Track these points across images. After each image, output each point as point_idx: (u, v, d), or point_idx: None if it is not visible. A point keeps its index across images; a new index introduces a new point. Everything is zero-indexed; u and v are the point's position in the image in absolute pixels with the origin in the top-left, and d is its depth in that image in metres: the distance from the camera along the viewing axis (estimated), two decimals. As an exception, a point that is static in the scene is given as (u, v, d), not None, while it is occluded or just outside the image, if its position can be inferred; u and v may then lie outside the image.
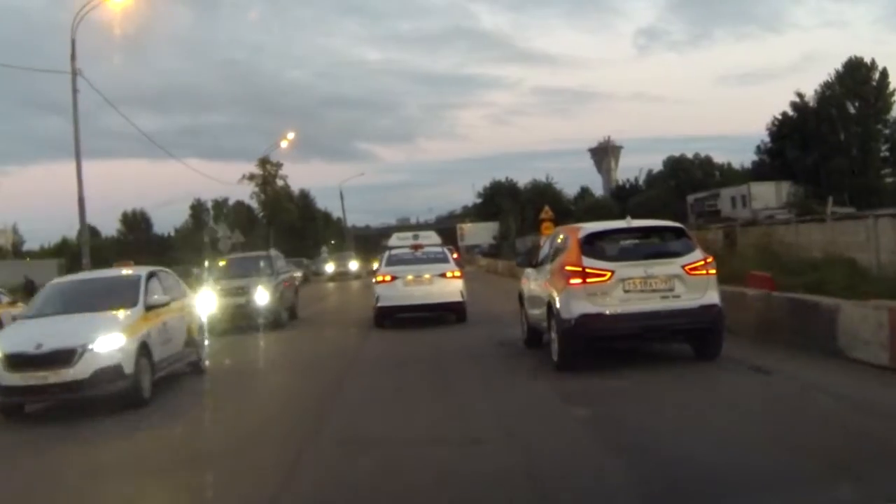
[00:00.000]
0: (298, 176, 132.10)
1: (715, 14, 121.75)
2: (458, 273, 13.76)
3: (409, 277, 13.41)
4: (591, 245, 7.53)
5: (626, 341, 7.89)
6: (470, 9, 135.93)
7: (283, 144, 41.11)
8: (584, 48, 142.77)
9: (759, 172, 51.07)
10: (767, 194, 43.43)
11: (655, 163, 67.52)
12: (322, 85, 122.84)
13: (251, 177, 45.11)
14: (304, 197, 73.86)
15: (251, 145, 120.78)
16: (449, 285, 13.48)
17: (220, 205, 77.85)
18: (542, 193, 62.55)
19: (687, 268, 7.23)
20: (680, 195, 58.72)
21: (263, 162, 45.13)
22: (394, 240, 16.74)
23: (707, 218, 42.42)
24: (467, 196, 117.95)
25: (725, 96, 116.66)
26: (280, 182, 46.86)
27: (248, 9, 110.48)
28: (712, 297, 7.24)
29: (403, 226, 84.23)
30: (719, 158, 69.83)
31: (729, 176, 62.14)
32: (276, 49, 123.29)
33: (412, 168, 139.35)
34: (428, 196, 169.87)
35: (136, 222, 72.34)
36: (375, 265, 15.09)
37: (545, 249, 9.29)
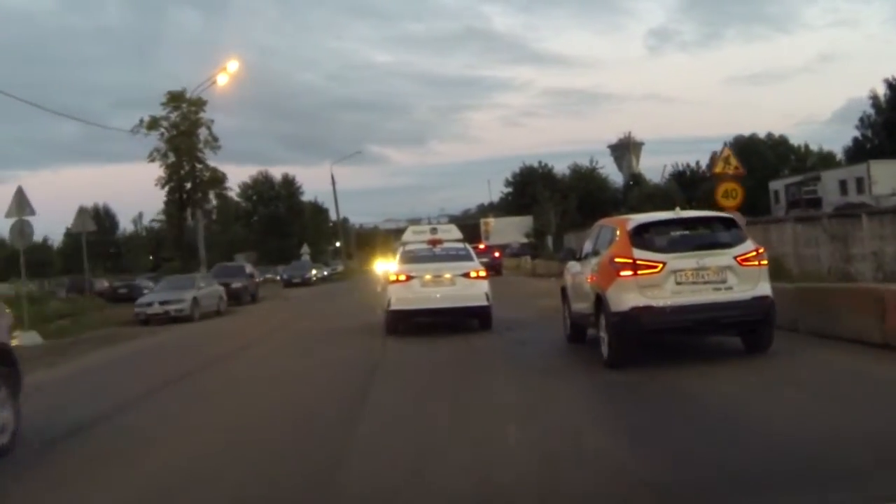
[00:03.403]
0: (309, 179, 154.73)
1: (726, 14, 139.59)
2: (482, 273, 14.49)
3: (427, 277, 14.18)
4: (641, 236, 9.15)
5: (674, 335, 9.48)
6: (481, 10, 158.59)
7: (222, 80, 34.06)
8: (596, 49, 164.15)
9: (858, 152, 52.08)
10: (888, 175, 42.75)
11: (671, 162, 71.99)
12: (333, 87, 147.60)
13: (152, 124, 35.25)
14: (289, 184, 75.92)
15: (263, 148, 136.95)
16: (473, 287, 14.15)
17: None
18: (586, 180, 64.20)
19: (739, 259, 8.81)
20: (756, 181, 60.05)
21: (175, 99, 35.69)
22: (409, 234, 17.06)
23: (805, 206, 42.39)
24: (481, 196, 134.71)
25: (737, 97, 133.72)
26: (204, 131, 36.56)
27: (258, 11, 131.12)
28: (764, 288, 8.83)
29: (407, 224, 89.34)
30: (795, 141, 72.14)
31: (809, 158, 63.56)
32: (286, 51, 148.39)
33: (423, 171, 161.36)
34: (440, 199, 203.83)
35: (98, 221, 75.13)
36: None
37: (590, 242, 11.02)
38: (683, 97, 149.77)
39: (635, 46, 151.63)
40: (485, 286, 14.26)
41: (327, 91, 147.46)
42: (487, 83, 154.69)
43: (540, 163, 67.81)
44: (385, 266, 67.13)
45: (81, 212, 27.31)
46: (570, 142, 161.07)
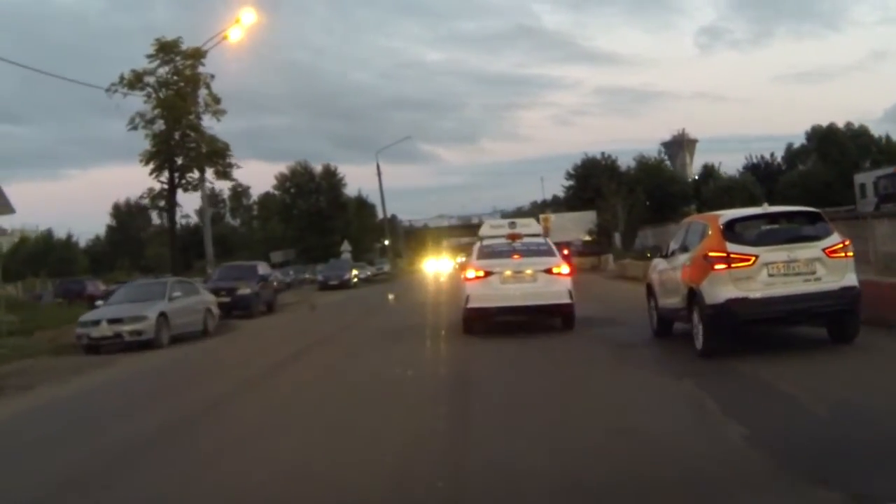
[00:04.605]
0: (359, 178, 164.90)
1: (776, 12, 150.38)
2: (565, 269, 14.92)
3: (507, 273, 14.73)
4: (733, 231, 10.59)
5: (766, 326, 10.88)
6: (531, 8, 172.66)
7: (236, 35, 29.24)
8: (646, 47, 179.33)
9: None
10: None
11: (722, 161, 73.58)
12: (384, 86, 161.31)
13: (135, 80, 30.66)
14: (331, 176, 75.54)
15: (313, 148, 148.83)
16: (555, 283, 14.61)
17: (238, 195, 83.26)
18: (653, 173, 65.13)
19: (827, 251, 10.19)
20: (838, 173, 60.68)
21: (165, 48, 31.12)
22: (486, 228, 17.35)
23: None
24: (533, 194, 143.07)
25: (788, 95, 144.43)
26: (204, 91, 32.16)
27: (310, 10, 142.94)
28: (851, 278, 10.21)
29: (459, 222, 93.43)
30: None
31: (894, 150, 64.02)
32: (338, 50, 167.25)
33: (474, 169, 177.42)
34: (491, 197, 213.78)
35: (129, 217, 78.08)
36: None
37: (678, 239, 12.59)
38: (734, 95, 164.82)
39: (686, 44, 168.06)
40: (568, 283, 14.73)
41: (378, 90, 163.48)
42: (538, 82, 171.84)
43: (603, 154, 68.55)
44: (444, 265, 68.39)
45: None
46: (621, 140, 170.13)
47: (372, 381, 10.91)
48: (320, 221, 71.37)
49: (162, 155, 31.94)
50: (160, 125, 31.54)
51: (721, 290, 10.25)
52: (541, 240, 16.33)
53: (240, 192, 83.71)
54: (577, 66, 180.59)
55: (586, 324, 15.20)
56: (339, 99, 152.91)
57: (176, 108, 31.12)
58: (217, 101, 32.50)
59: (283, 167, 75.10)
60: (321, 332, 19.71)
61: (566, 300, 14.59)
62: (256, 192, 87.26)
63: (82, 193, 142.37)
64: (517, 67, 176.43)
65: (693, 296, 10.85)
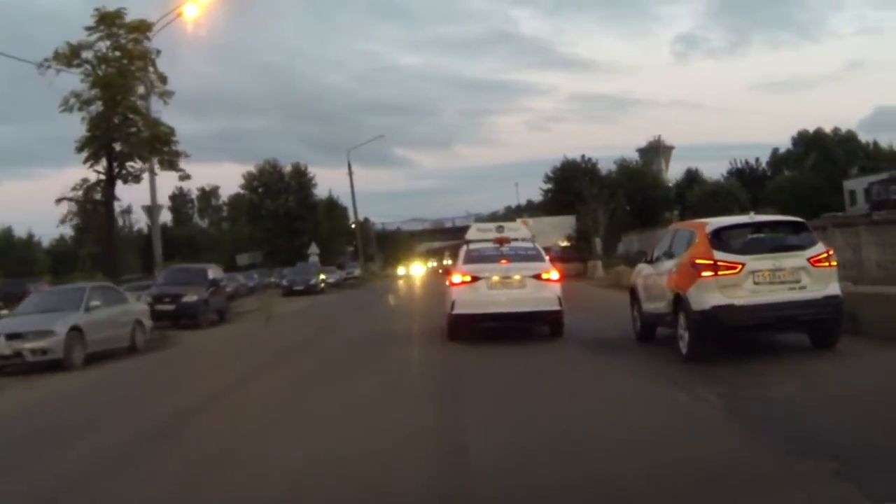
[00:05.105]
0: (333, 181, 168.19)
1: (753, 21, 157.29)
2: (555, 275, 15.01)
3: (495, 279, 14.77)
4: (720, 239, 11.25)
5: (750, 332, 11.54)
6: (510, 14, 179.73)
7: (191, 12, 28.32)
8: (623, 54, 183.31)
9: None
10: None
11: (698, 167, 78.39)
12: (361, 90, 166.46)
13: (70, 54, 28.09)
14: (300, 175, 74.72)
15: (287, 150, 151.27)
16: (544, 290, 14.74)
17: (207, 195, 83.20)
18: (635, 178, 66.10)
19: (812, 260, 10.87)
20: (826, 179, 62.03)
21: (105, 19, 28.57)
22: (473, 232, 17.30)
23: (893, 208, 43.12)
24: (507, 199, 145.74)
25: (763, 104, 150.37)
26: (139, 64, 29.08)
27: (286, 12, 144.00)
28: (835, 288, 10.92)
29: (432, 226, 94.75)
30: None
31: (884, 158, 65.58)
32: (314, 53, 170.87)
33: (449, 174, 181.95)
34: (465, 202, 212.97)
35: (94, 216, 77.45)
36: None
37: (663, 245, 13.28)
38: (710, 103, 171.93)
39: (662, 52, 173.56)
40: (557, 289, 14.82)
41: (354, 93, 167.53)
42: (514, 87, 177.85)
43: (583, 157, 69.50)
44: (416, 270, 68.62)
45: None
46: (596, 147, 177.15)
47: (325, 433, 8.25)
48: (289, 223, 70.85)
49: (98, 141, 28.81)
50: (98, 107, 28.64)
51: (708, 296, 10.88)
52: (529, 244, 16.38)
53: (209, 193, 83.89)
54: (554, 72, 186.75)
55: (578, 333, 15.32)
56: (315, 102, 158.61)
57: (115, 86, 28.24)
58: (163, 80, 29.83)
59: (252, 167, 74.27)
60: (274, 347, 17.36)
61: (555, 307, 14.67)
62: (231, 194, 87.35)
63: (57, 193, 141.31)
64: (494, 73, 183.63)
65: (679, 302, 11.50)
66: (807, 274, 10.90)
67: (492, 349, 14.16)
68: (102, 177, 29.74)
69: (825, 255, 11.09)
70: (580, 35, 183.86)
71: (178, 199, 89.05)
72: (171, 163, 30.65)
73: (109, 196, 30.18)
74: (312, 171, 75.65)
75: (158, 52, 29.48)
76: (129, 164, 29.84)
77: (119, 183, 30.24)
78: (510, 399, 9.54)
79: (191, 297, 24.20)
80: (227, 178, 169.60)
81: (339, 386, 11.43)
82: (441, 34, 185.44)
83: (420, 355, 14.52)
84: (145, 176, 30.46)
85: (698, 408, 8.48)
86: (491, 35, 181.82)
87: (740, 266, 10.86)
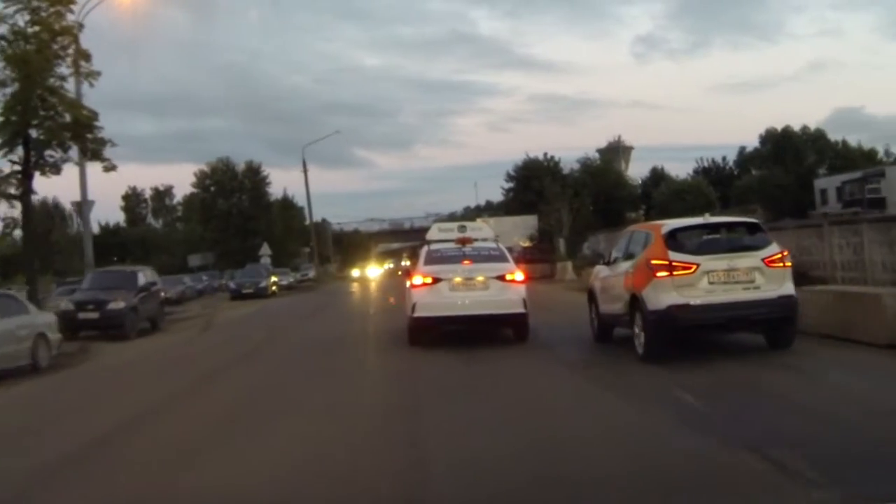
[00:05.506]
0: (293, 182, 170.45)
1: (713, 23, 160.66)
2: (519, 276, 14.93)
3: (457, 280, 14.69)
4: (675, 240, 11.68)
5: (705, 332, 11.99)
6: (469, 15, 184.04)
7: None
8: (583, 55, 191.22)
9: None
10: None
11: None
12: (321, 90, 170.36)
13: None
14: (254, 173, 73.94)
15: (247, 151, 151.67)
16: (508, 291, 14.64)
17: (161, 195, 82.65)
18: (600, 176, 66.71)
19: (766, 260, 11.33)
20: (796, 178, 63.13)
21: None
22: (434, 231, 17.21)
23: (866, 207, 44.04)
24: (467, 200, 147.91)
25: (724, 105, 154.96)
26: (62, 41, 26.31)
27: (247, 12, 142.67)
28: (789, 288, 11.39)
29: (391, 226, 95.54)
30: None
31: (852, 157, 66.95)
32: (275, 54, 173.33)
33: (408, 175, 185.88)
34: (425, 202, 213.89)
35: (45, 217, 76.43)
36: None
37: (620, 246, 13.77)
38: (670, 104, 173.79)
39: (622, 53, 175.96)
40: (522, 291, 14.72)
41: (315, 94, 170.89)
42: (474, 88, 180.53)
43: (546, 155, 69.44)
44: (373, 272, 68.31)
45: None
46: (556, 148, 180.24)
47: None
48: (242, 223, 69.67)
49: (12, 126, 26.04)
50: (15, 88, 25.91)
51: (663, 296, 11.32)
52: (493, 244, 16.31)
53: (163, 193, 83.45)
54: (513, 72, 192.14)
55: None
56: (276, 102, 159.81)
57: (32, 64, 25.48)
58: (87, 58, 26.92)
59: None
60: (202, 365, 15.47)
61: (520, 309, 14.59)
62: (185, 193, 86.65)
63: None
64: (453, 73, 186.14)
65: (635, 302, 11.92)
66: (761, 274, 11.35)
67: (454, 354, 13.82)
68: (18, 167, 26.70)
69: (779, 255, 11.55)
70: (540, 36, 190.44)
71: (132, 199, 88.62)
72: (95, 152, 27.72)
73: (27, 189, 26.96)
74: (272, 172, 76.78)
75: (81, 25, 26.87)
76: (48, 152, 26.86)
77: (38, 175, 27.06)
78: (468, 409, 9.32)
79: (117, 304, 22.29)
80: (186, 178, 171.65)
81: (270, 427, 8.97)
82: (401, 35, 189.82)
83: (376, 374, 13.14)
84: (68, 167, 27.97)
85: (652, 409, 8.81)
86: (450, 36, 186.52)
87: (695, 266, 11.28)
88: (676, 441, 7.32)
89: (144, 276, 25.46)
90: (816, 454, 6.37)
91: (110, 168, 28.20)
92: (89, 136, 27.14)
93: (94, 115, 27.23)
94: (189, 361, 16.50)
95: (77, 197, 30.18)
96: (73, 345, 19.06)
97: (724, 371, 10.69)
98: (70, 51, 26.58)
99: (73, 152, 27.69)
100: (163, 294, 27.51)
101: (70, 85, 27.37)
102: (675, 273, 11.33)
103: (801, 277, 18.01)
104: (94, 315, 22.18)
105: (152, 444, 8.37)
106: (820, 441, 6.92)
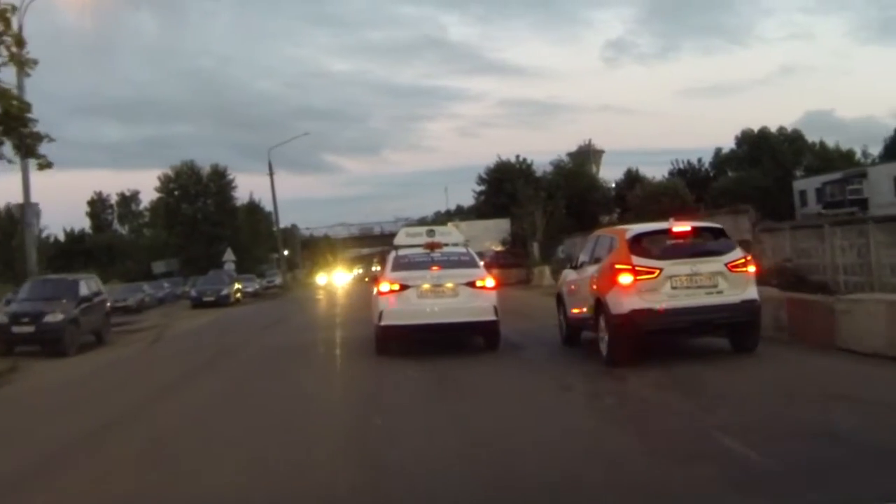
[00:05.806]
0: (262, 188, 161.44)
1: (683, 27, 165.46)
2: (490, 282, 14.80)
3: (426, 287, 14.53)
4: (639, 245, 12.01)
5: (669, 336, 12.32)
6: (439, 20, 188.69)
7: None
8: (553, 60, 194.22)
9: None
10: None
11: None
12: (291, 95, 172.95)
13: None
14: (219, 177, 73.12)
15: (216, 157, 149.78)
16: (479, 298, 14.52)
17: (127, 200, 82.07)
18: (572, 178, 67.11)
19: (730, 265, 11.68)
20: (774, 179, 63.82)
21: None
22: (401, 236, 17.15)
23: (849, 208, 44.41)
24: (437, 205, 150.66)
25: (694, 109, 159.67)
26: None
27: (216, 17, 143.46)
28: (752, 292, 11.74)
29: (360, 232, 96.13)
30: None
31: (830, 158, 67.84)
32: (244, 59, 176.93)
33: (378, 180, 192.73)
34: (394, 208, 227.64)
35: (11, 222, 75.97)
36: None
37: (587, 251, 14.17)
38: (641, 109, 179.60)
39: (592, 58, 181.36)
40: (493, 298, 14.61)
41: (284, 99, 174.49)
42: (443, 93, 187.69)
43: (518, 157, 69.62)
44: (340, 277, 68.10)
45: None
46: (527, 152, 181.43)
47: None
48: (207, 228, 68.87)
49: None
50: None
51: (626, 300, 11.64)
52: (462, 249, 16.27)
53: (128, 198, 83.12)
54: (483, 77, 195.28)
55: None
56: (245, 108, 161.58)
57: None
58: (20, 43, 24.82)
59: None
60: (145, 386, 13.79)
61: (491, 317, 14.46)
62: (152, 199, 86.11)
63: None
64: (423, 78, 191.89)
65: (600, 306, 12.25)
66: (724, 279, 11.69)
67: (421, 365, 13.45)
68: None
69: (742, 260, 11.92)
70: (510, 41, 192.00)
71: (97, 205, 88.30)
72: (29, 147, 25.50)
73: None
74: (241, 177, 76.00)
75: (14, 7, 24.53)
76: None
77: None
78: (431, 430, 8.74)
79: (55, 316, 20.43)
80: (154, 184, 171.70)
81: (208, 463, 7.74)
82: (371, 40, 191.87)
83: (340, 392, 12.30)
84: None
85: (612, 411, 9.18)
86: (420, 41, 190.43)
87: (658, 271, 11.61)
88: (615, 448, 7.56)
89: (87, 285, 23.74)
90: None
91: (45, 165, 26.32)
92: (25, 129, 24.91)
93: (26, 107, 24.95)
94: (129, 383, 14.81)
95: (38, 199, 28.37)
96: (6, 362, 17.61)
97: (687, 374, 10.97)
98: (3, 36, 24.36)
99: (7, 149, 25.14)
100: (108, 304, 25.81)
101: (5, 75, 24.85)
102: (638, 277, 11.64)
103: (799, 282, 18.52)
104: (30, 329, 20.32)
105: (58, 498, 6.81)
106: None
